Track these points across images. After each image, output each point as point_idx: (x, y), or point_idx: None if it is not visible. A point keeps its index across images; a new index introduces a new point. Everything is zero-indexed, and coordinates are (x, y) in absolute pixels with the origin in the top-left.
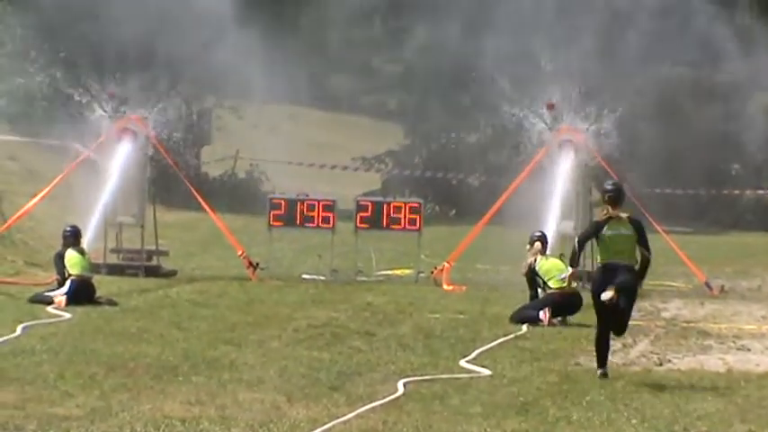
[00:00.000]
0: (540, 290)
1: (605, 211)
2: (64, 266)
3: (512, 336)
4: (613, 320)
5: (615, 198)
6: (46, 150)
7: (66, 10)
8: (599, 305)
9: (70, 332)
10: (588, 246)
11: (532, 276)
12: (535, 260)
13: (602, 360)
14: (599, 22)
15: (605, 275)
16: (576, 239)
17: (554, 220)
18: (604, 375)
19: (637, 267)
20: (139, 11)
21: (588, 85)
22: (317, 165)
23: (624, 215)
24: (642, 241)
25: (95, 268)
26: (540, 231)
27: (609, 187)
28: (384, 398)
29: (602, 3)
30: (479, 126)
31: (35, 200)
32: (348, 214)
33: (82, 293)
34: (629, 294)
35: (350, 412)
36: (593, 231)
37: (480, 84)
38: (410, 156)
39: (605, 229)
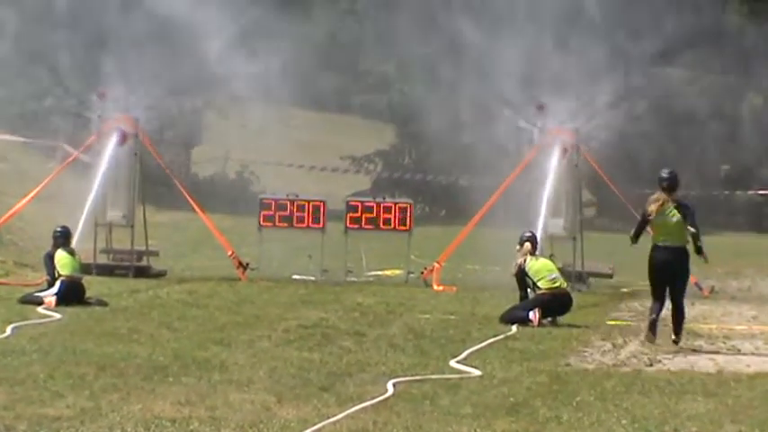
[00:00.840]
0: (529, 290)
1: (659, 198)
2: (54, 267)
3: (502, 336)
4: (671, 300)
5: (672, 185)
6: (36, 151)
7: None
8: (654, 280)
9: (60, 332)
10: (578, 246)
11: (522, 277)
12: (525, 261)
13: (651, 328)
14: (591, 22)
15: (659, 255)
16: (639, 223)
17: (543, 220)
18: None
19: (688, 245)
20: (130, 12)
21: (578, 85)
22: (306, 166)
23: (673, 202)
24: (690, 221)
25: (85, 269)
26: (530, 232)
27: (665, 175)
28: (374, 398)
29: (594, 3)
30: (469, 126)
31: (24, 200)
32: (338, 214)
33: (72, 294)
34: (683, 275)
35: (340, 413)
36: (644, 220)
37: (471, 83)
38: (400, 156)
39: (659, 215)
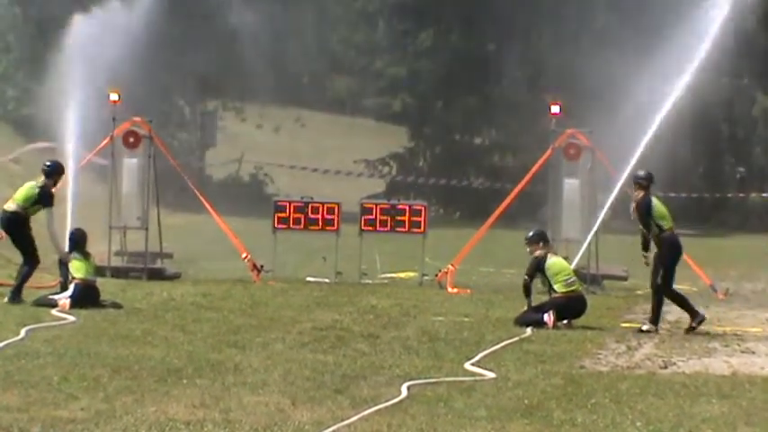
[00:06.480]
0: (544, 289)
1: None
2: (68, 270)
3: (516, 338)
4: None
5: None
6: (50, 153)
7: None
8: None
9: (74, 335)
10: (593, 249)
11: (541, 275)
12: (545, 255)
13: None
14: (604, 25)
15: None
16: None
17: (558, 222)
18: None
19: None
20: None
21: (593, 87)
22: (321, 169)
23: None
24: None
25: (100, 271)
26: (537, 229)
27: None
28: (388, 401)
29: (606, 4)
30: (484, 129)
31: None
32: (352, 217)
33: (86, 297)
34: None
35: (354, 415)
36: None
37: (485, 86)
38: (415, 158)
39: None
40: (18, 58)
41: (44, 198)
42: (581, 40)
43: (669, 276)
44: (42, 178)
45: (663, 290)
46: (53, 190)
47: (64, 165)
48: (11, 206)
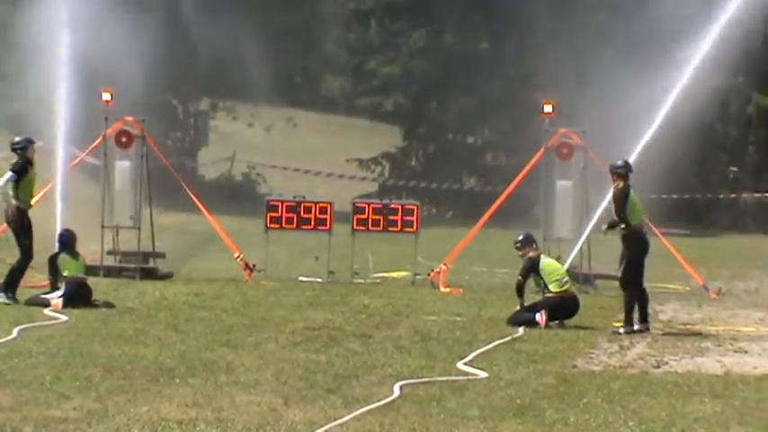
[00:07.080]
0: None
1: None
2: (57, 270)
3: (509, 338)
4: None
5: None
6: (42, 153)
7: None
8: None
9: (67, 334)
10: (585, 248)
11: (535, 276)
12: (539, 256)
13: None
14: (599, 24)
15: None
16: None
17: (551, 222)
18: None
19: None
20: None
21: (587, 87)
22: (313, 171)
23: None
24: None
25: (92, 271)
26: (523, 234)
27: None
28: (381, 400)
29: (601, 4)
30: (477, 128)
31: (31, 201)
32: (345, 216)
33: (78, 294)
34: None
35: (347, 414)
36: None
37: (478, 86)
38: (407, 158)
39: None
40: (8, 55)
41: (19, 168)
42: (575, 39)
43: (636, 271)
44: (16, 159)
45: (626, 283)
46: (29, 156)
47: (33, 138)
48: (11, 202)
